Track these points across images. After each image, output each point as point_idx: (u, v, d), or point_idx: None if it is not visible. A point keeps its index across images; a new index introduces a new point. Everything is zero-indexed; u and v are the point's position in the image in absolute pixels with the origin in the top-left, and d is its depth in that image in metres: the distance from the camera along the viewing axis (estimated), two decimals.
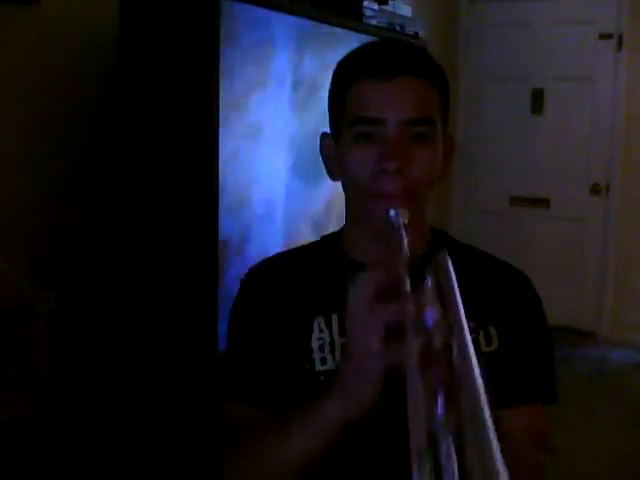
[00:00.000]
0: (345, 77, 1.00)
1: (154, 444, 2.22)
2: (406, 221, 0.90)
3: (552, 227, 4.62)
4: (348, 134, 0.97)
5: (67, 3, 2.29)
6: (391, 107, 0.94)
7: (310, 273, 1.07)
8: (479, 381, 0.66)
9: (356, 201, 1.01)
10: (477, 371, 0.67)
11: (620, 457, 2.98)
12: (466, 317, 1.00)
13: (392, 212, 0.91)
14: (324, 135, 1.06)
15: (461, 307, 0.75)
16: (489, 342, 1.02)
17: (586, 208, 4.55)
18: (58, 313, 2.22)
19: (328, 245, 1.10)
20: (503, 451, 0.57)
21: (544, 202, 4.64)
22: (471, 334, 0.73)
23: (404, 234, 0.88)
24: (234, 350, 1.07)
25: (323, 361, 1.00)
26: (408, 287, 0.77)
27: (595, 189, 4.50)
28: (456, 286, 0.78)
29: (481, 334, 1.02)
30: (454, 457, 0.68)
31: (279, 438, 0.90)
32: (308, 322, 1.02)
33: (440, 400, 0.71)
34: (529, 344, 1.04)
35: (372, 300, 0.75)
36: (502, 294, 1.05)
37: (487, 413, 0.62)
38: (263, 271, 1.11)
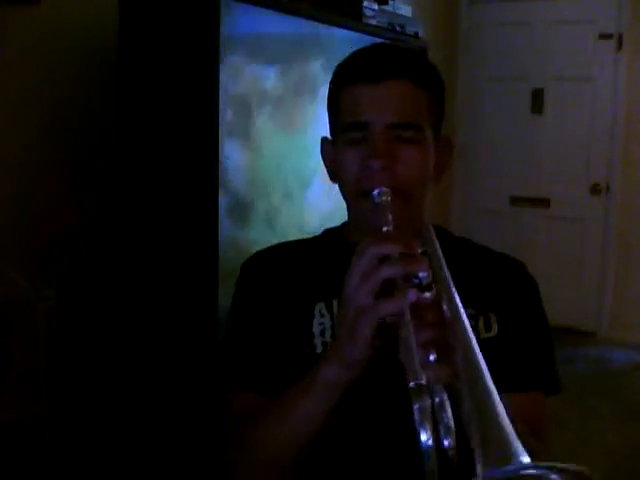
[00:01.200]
0: (337, 82, 1.03)
1: (154, 444, 2.22)
2: (389, 199, 0.93)
3: (552, 227, 4.62)
4: (341, 138, 1.01)
5: (67, 3, 2.29)
6: (377, 111, 0.96)
7: (312, 260, 1.10)
8: (471, 335, 0.70)
9: (348, 201, 1.04)
10: (468, 325, 0.71)
11: (620, 457, 2.98)
12: (466, 304, 1.02)
13: (376, 191, 0.94)
14: (324, 139, 1.09)
15: (446, 268, 0.79)
16: (488, 328, 1.03)
17: (586, 208, 4.55)
18: (58, 313, 2.22)
19: (331, 236, 1.13)
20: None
21: (544, 202, 4.64)
22: (463, 303, 0.76)
23: (388, 210, 0.91)
24: (235, 336, 1.08)
25: (324, 345, 1.01)
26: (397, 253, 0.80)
27: (595, 189, 4.50)
28: (440, 252, 0.83)
29: (481, 320, 1.03)
30: (449, 410, 0.70)
31: (281, 411, 0.91)
32: (309, 307, 1.04)
33: (432, 355, 0.73)
34: (528, 332, 1.06)
35: (365, 263, 0.78)
36: (500, 282, 1.07)
37: (482, 362, 0.66)
38: (264, 257, 1.13)
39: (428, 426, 0.64)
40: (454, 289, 0.76)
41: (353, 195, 1.01)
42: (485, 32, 4.73)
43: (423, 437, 0.64)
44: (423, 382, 0.67)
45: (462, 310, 0.73)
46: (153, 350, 2.21)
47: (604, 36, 4.39)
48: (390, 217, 0.90)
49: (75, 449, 2.33)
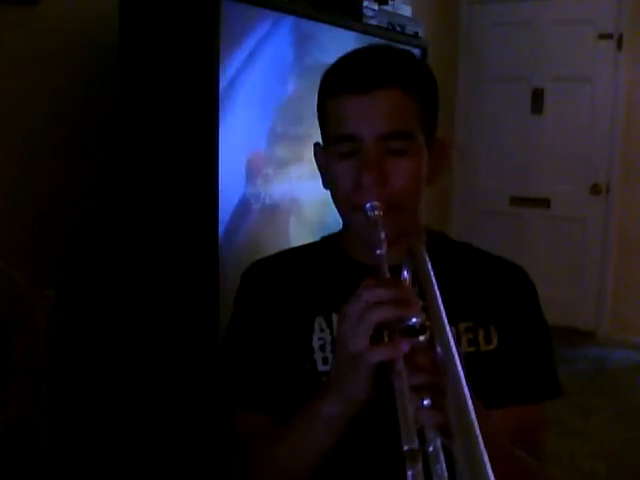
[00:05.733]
0: (323, 91, 1.00)
1: (155, 444, 2.22)
2: (381, 213, 0.93)
3: (552, 227, 4.63)
4: (331, 150, 0.99)
5: (67, 3, 2.29)
6: (365, 122, 0.94)
7: (310, 272, 1.08)
8: (463, 382, 0.69)
9: (341, 212, 1.03)
10: (460, 370, 0.70)
11: (619, 456, 2.98)
12: (466, 316, 1.02)
13: (368, 205, 0.93)
14: (317, 145, 1.07)
15: (441, 305, 0.78)
16: (488, 341, 1.02)
17: (586, 208, 4.55)
18: (58, 313, 2.22)
19: (328, 245, 1.11)
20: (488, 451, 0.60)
21: (544, 202, 4.65)
22: (452, 331, 0.76)
23: (381, 228, 0.91)
24: (235, 352, 1.07)
25: (325, 361, 1.00)
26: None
27: (595, 189, 4.50)
28: (435, 283, 0.81)
29: (481, 333, 1.02)
30: (442, 459, 0.69)
31: (287, 443, 0.92)
32: (309, 322, 1.02)
33: (426, 401, 0.73)
34: (528, 343, 1.05)
35: (359, 307, 0.78)
36: (500, 290, 1.06)
37: (472, 415, 0.65)
38: (264, 268, 1.11)
39: None
40: (448, 328, 0.75)
41: (346, 208, 1.00)
42: (485, 32, 4.73)
43: None
44: (416, 447, 0.67)
45: (454, 349, 0.72)
46: (153, 349, 2.21)
47: (604, 36, 4.39)
48: (382, 235, 0.89)
49: (75, 449, 2.33)
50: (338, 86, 0.96)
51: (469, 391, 0.67)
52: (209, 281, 2.07)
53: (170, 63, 2.10)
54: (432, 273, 0.82)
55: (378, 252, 0.88)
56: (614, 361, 4.14)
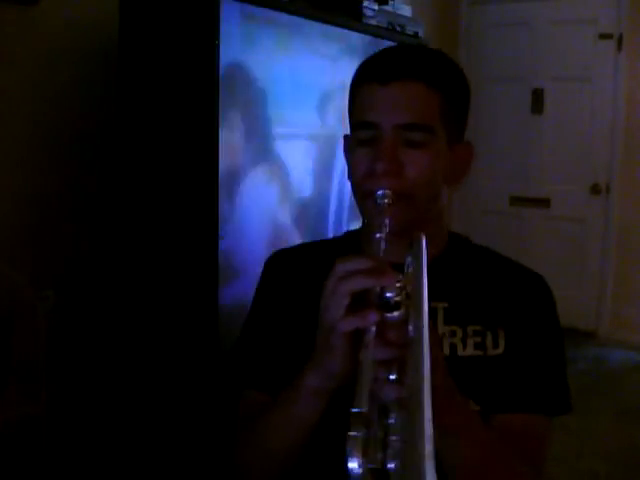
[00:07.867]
0: (354, 81, 1.03)
1: (155, 444, 2.22)
2: (391, 202, 0.93)
3: (552, 227, 4.62)
4: (353, 137, 1.01)
5: (67, 3, 2.29)
6: (386, 111, 0.96)
7: (327, 265, 1.09)
8: (425, 359, 0.68)
9: (355, 199, 1.04)
10: (426, 348, 0.70)
11: (619, 456, 2.98)
12: (475, 320, 1.02)
13: (379, 192, 0.94)
14: (345, 136, 1.08)
15: (425, 285, 0.78)
16: (496, 345, 1.02)
17: (586, 208, 4.55)
18: (58, 313, 2.22)
19: (349, 240, 1.14)
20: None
21: (544, 202, 4.64)
22: (429, 314, 0.75)
23: (384, 214, 0.92)
24: (251, 335, 1.11)
25: None
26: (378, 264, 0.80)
27: (595, 189, 4.50)
28: (424, 266, 0.81)
29: (489, 337, 1.02)
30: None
31: (273, 417, 0.94)
32: None
33: (392, 376, 0.73)
34: (538, 351, 1.03)
35: (337, 274, 0.79)
36: (514, 297, 1.05)
37: (425, 389, 0.64)
38: (286, 258, 1.15)
39: (357, 455, 0.64)
40: (425, 308, 0.75)
41: (358, 195, 1.01)
42: (485, 32, 4.73)
43: (350, 465, 0.64)
44: (364, 410, 0.66)
45: (426, 333, 0.72)
46: (152, 349, 2.21)
47: (604, 36, 4.39)
48: (386, 222, 0.90)
49: (75, 449, 2.33)
50: (364, 76, 1.00)
51: (430, 370, 0.66)
52: (208, 280, 2.07)
53: (170, 63, 2.09)
54: (424, 256, 0.83)
55: (377, 235, 0.88)
56: (614, 361, 4.14)
